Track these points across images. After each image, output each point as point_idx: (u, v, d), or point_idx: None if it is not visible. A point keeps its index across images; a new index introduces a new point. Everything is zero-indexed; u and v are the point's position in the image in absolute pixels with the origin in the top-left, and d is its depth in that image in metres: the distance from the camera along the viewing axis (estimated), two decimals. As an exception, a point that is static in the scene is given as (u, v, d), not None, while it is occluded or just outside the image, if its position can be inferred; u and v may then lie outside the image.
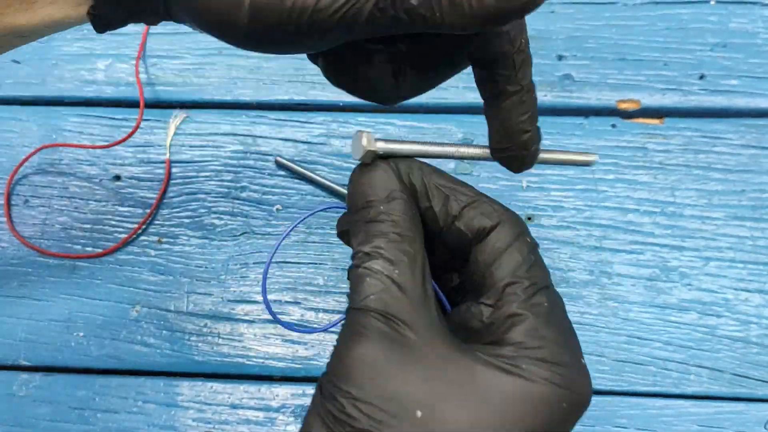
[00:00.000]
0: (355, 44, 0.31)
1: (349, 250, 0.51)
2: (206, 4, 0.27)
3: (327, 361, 0.27)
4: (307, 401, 0.48)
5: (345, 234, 0.31)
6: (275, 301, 0.50)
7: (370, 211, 0.28)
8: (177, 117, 0.55)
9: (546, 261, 0.49)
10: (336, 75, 0.32)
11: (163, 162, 0.54)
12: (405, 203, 0.28)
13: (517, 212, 0.34)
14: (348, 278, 0.29)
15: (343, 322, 0.27)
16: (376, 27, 0.27)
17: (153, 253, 0.52)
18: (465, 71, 0.32)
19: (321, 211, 0.32)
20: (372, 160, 0.30)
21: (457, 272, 0.32)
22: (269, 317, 0.50)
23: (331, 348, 0.50)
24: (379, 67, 0.32)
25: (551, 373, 0.26)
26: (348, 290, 0.28)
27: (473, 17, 0.26)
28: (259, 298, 0.50)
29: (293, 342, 0.49)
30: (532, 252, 0.29)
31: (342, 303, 0.50)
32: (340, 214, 0.32)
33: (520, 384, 0.25)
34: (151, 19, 0.31)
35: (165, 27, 0.57)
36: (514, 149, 0.30)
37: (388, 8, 0.26)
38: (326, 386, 0.26)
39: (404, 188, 0.29)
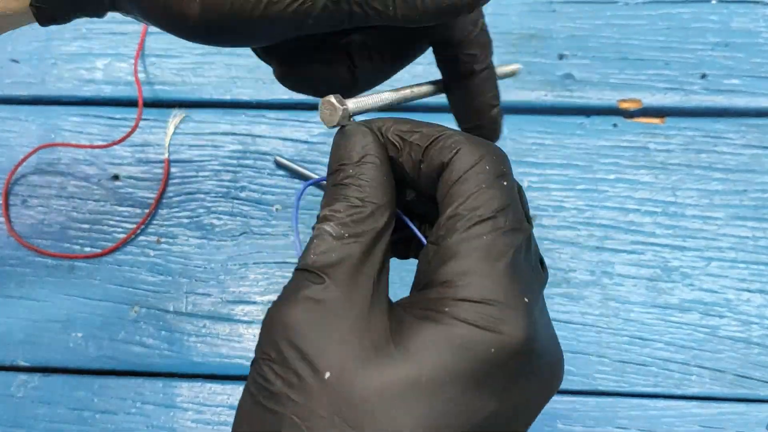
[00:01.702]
0: (307, 42, 0.31)
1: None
2: None
3: None
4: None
5: None
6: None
7: (339, 174, 0.27)
8: (176, 116, 0.55)
9: (547, 261, 0.49)
10: (291, 77, 0.32)
11: (161, 162, 0.54)
12: (376, 167, 0.26)
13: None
14: None
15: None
16: (329, 21, 0.27)
17: (152, 253, 0.51)
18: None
19: (312, 184, 0.31)
20: (347, 120, 0.28)
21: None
22: (269, 318, 0.50)
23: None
24: (334, 64, 0.31)
25: (474, 313, 0.23)
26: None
27: (425, 12, 0.26)
28: (259, 298, 0.50)
29: (293, 342, 0.49)
30: (488, 180, 0.25)
31: (342, 303, 0.50)
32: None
33: (438, 330, 0.23)
34: (97, 12, 0.30)
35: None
36: (486, 124, 0.33)
37: (343, 1, 0.26)
38: (255, 353, 0.25)
39: (380, 151, 0.27)
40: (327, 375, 0.23)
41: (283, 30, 0.27)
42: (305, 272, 0.25)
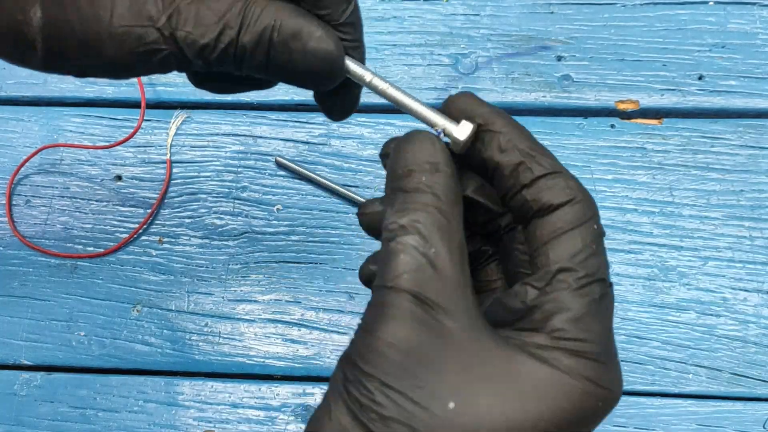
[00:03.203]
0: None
1: (349, 250, 0.51)
2: None
3: (350, 338, 0.25)
4: (308, 400, 0.48)
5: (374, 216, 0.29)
6: (275, 300, 0.50)
7: (411, 180, 0.25)
8: (178, 117, 0.55)
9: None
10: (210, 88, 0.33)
11: (164, 162, 0.54)
12: (450, 178, 0.25)
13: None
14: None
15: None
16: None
17: (154, 252, 0.52)
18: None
19: None
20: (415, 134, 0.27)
21: (480, 236, 0.30)
22: (270, 316, 0.50)
23: (332, 348, 0.50)
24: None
25: (593, 372, 0.24)
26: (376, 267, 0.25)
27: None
28: (261, 298, 0.51)
29: (294, 341, 0.49)
30: (595, 240, 0.25)
31: (342, 303, 0.50)
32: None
33: (558, 378, 0.24)
34: None
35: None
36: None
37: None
38: (350, 369, 0.24)
39: (451, 162, 0.26)
40: (451, 405, 0.23)
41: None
42: (399, 292, 0.23)
